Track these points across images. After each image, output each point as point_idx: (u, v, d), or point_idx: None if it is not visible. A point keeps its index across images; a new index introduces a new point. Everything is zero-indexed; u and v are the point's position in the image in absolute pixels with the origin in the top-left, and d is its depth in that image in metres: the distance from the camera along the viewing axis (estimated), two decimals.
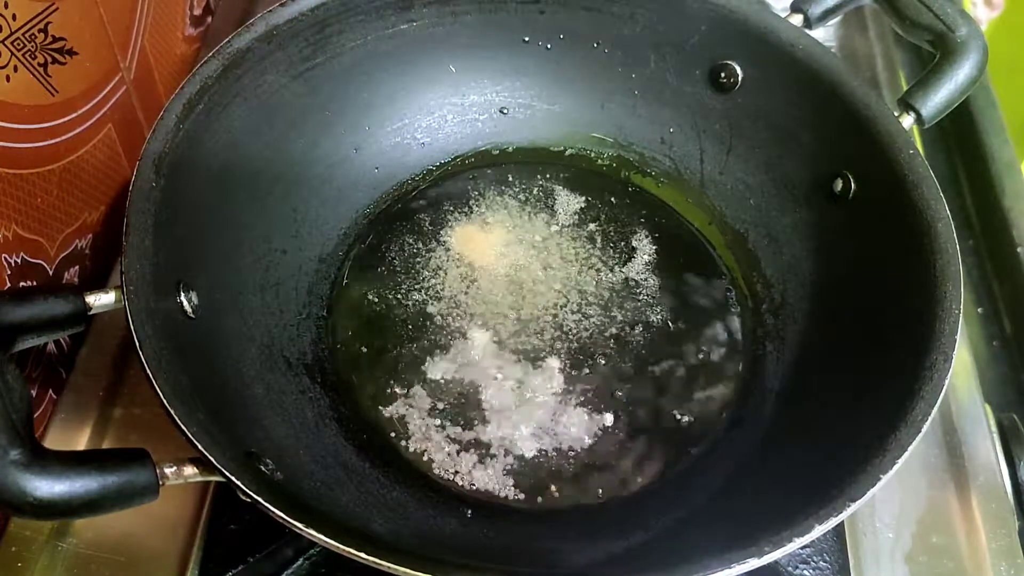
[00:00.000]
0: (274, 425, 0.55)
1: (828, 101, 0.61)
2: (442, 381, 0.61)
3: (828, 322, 0.61)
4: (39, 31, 0.55)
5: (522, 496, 0.57)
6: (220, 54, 0.58)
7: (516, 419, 0.60)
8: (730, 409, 0.61)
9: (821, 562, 0.57)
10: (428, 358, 0.62)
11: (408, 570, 0.40)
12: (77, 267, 0.64)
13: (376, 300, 0.66)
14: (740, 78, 0.66)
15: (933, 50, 0.61)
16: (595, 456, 0.59)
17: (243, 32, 0.59)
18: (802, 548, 0.52)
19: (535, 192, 0.72)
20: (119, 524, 0.56)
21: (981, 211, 0.80)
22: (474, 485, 0.57)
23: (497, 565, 0.43)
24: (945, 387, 0.47)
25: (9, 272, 0.55)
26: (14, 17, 0.52)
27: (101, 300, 0.48)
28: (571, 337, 0.64)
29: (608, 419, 0.60)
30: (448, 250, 0.68)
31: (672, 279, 0.67)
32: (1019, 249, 0.74)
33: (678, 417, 0.61)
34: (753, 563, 0.41)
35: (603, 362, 0.63)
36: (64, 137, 0.60)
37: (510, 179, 0.73)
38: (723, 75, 0.67)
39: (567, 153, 0.74)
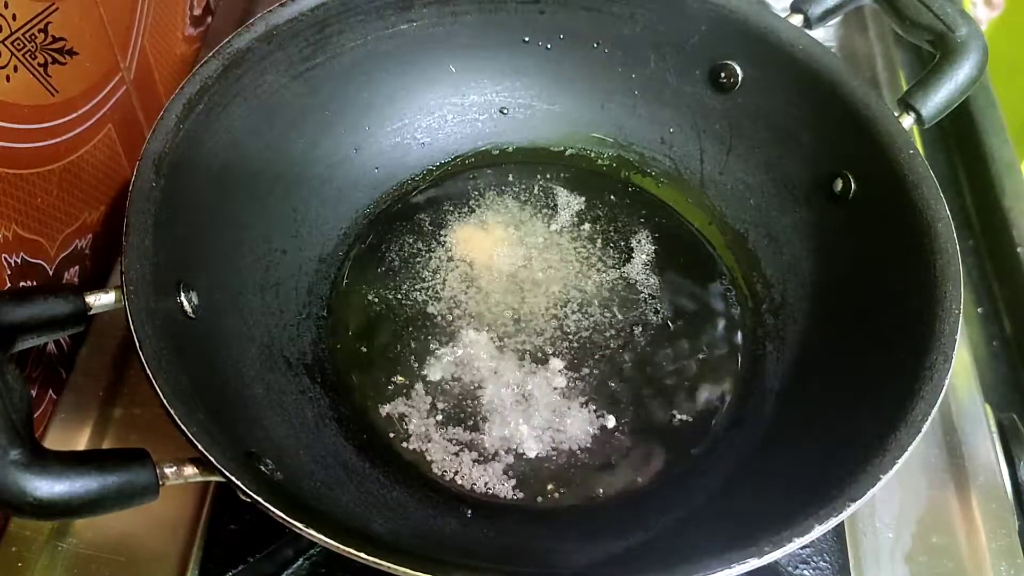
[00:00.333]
0: (274, 425, 0.55)
1: (828, 101, 0.61)
2: (442, 381, 0.61)
3: (828, 322, 0.61)
4: (39, 31, 0.55)
5: (522, 496, 0.57)
6: (220, 54, 0.58)
7: (516, 419, 0.60)
8: (730, 409, 0.61)
9: (821, 562, 0.57)
10: (428, 358, 0.62)
11: (408, 570, 0.40)
12: (77, 267, 0.64)
13: (376, 300, 0.66)
14: (740, 78, 0.66)
15: (933, 50, 0.61)
16: (595, 456, 0.59)
17: (243, 32, 0.59)
18: (802, 548, 0.52)
19: (535, 192, 0.72)
20: (119, 524, 0.56)
21: (981, 211, 0.80)
22: (474, 485, 0.57)
23: (497, 565, 0.43)
24: (945, 387, 0.47)
25: (9, 272, 0.55)
26: (14, 17, 0.52)
27: (101, 300, 0.48)
28: (571, 337, 0.64)
29: (608, 419, 0.60)
30: (448, 250, 0.68)
31: (672, 279, 0.67)
32: (1019, 249, 0.74)
33: (678, 417, 0.61)
34: (753, 563, 0.41)
35: (603, 362, 0.63)
36: (64, 137, 0.60)
37: (510, 179, 0.73)
38: (723, 75, 0.67)
39: (567, 153, 0.74)
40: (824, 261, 0.63)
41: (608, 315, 0.65)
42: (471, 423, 0.60)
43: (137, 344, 0.45)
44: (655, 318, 0.65)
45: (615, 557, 0.54)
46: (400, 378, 0.62)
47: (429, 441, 0.59)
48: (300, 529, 0.41)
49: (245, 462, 0.45)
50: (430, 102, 0.72)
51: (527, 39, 0.71)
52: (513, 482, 0.57)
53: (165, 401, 0.43)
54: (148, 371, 0.44)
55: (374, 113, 0.70)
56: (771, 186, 0.67)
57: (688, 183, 0.72)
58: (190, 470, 0.43)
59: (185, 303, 0.52)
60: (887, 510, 0.59)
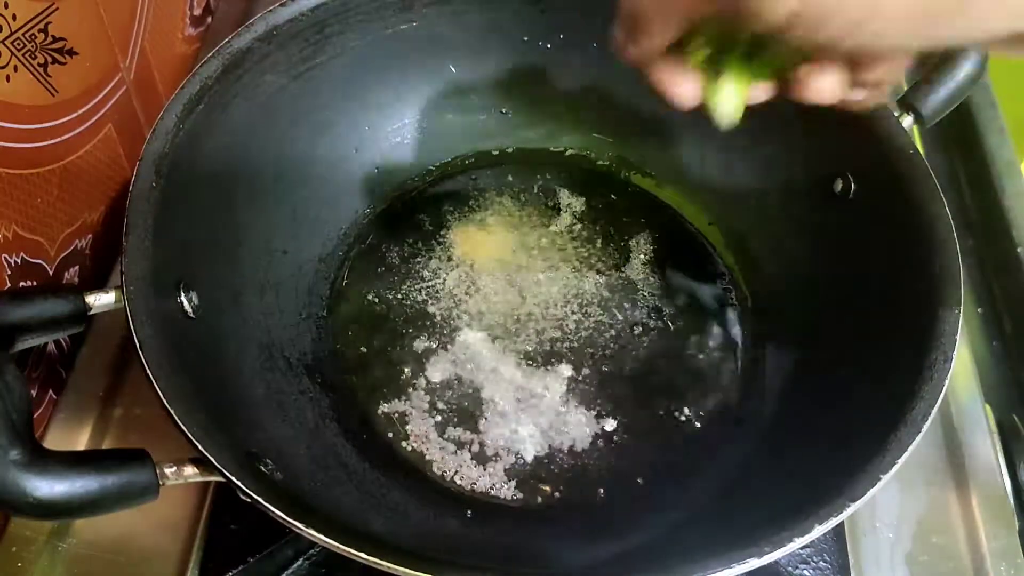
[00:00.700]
0: (274, 425, 0.55)
1: None
2: (442, 381, 0.61)
3: (828, 322, 0.61)
4: (39, 31, 0.55)
5: (522, 496, 0.57)
6: (220, 54, 0.58)
7: (515, 419, 0.60)
8: (730, 409, 0.61)
9: (821, 562, 0.57)
10: (428, 358, 0.62)
11: (408, 570, 0.40)
12: (77, 267, 0.64)
13: (376, 300, 0.66)
14: None
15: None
16: (595, 457, 0.59)
17: (243, 32, 0.59)
18: (802, 548, 0.52)
19: (535, 192, 0.72)
20: (119, 524, 0.56)
21: (981, 211, 0.80)
22: (474, 485, 0.57)
23: (497, 565, 0.43)
24: (945, 387, 0.47)
25: (9, 272, 0.55)
26: (14, 17, 0.52)
27: (101, 300, 0.48)
28: (571, 337, 0.64)
29: (607, 419, 0.60)
30: (448, 250, 0.68)
31: (672, 279, 0.67)
32: (1019, 249, 0.74)
33: (678, 417, 0.61)
34: (753, 563, 0.41)
35: (603, 362, 0.63)
36: (64, 137, 0.60)
37: (510, 179, 0.73)
38: None
39: (567, 153, 0.74)
40: (824, 261, 0.63)
41: (608, 315, 0.65)
42: (471, 423, 0.60)
43: (137, 344, 0.45)
44: (655, 318, 0.65)
45: (615, 557, 0.54)
46: (400, 378, 0.62)
47: (429, 441, 0.59)
48: (300, 529, 0.41)
49: (245, 462, 0.45)
50: (430, 102, 0.72)
51: (527, 39, 0.70)
52: (513, 482, 0.57)
53: (165, 401, 0.43)
54: (148, 371, 0.44)
55: (374, 113, 0.70)
56: (771, 186, 0.67)
57: (688, 183, 0.72)
58: (190, 470, 0.43)
59: (185, 303, 0.52)
60: (887, 510, 0.59)
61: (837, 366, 0.58)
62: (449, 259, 0.68)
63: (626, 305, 0.66)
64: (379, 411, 0.60)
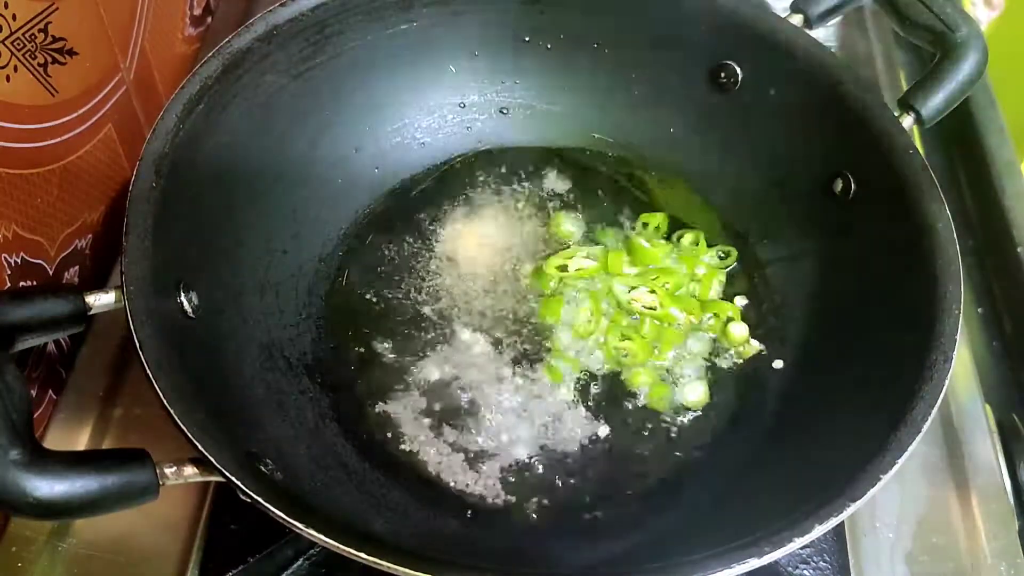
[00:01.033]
0: (274, 425, 0.55)
1: (828, 101, 0.61)
2: (441, 382, 0.61)
3: (828, 322, 0.61)
4: (39, 31, 0.55)
5: (521, 496, 0.57)
6: (220, 54, 0.58)
7: (515, 419, 0.60)
8: (730, 409, 0.61)
9: (821, 562, 0.57)
10: (427, 358, 0.62)
11: (408, 570, 0.40)
12: (77, 267, 0.64)
13: (376, 300, 0.66)
14: (740, 78, 0.66)
15: (933, 50, 0.61)
16: (593, 457, 0.59)
17: (243, 32, 0.59)
18: (802, 548, 0.52)
19: (535, 193, 0.72)
20: (119, 524, 0.56)
21: (981, 211, 0.80)
22: (473, 486, 0.57)
23: (497, 565, 0.43)
24: (945, 387, 0.47)
25: (9, 272, 0.55)
26: (14, 17, 0.52)
27: (101, 300, 0.48)
28: None
29: (607, 420, 0.60)
30: (447, 250, 0.68)
31: None
32: (1019, 249, 0.74)
33: (678, 418, 0.61)
34: (753, 563, 0.41)
35: (603, 361, 0.63)
36: (64, 137, 0.60)
37: (510, 179, 0.73)
38: (723, 75, 0.67)
39: (567, 153, 0.74)
40: (824, 261, 0.63)
41: (608, 316, 0.65)
42: (470, 424, 0.60)
43: (137, 344, 0.45)
44: (657, 312, 0.65)
45: (615, 557, 0.54)
46: (399, 378, 0.62)
47: (428, 442, 0.59)
48: (300, 529, 0.41)
49: (245, 462, 0.45)
50: (430, 102, 0.72)
51: (527, 39, 0.71)
52: (512, 482, 0.57)
53: (165, 401, 0.43)
54: (148, 371, 0.44)
55: (374, 113, 0.70)
56: (771, 186, 0.67)
57: (688, 183, 0.72)
58: (190, 470, 0.43)
59: (185, 303, 0.52)
60: (887, 510, 0.59)
61: (837, 366, 0.58)
62: (449, 259, 0.68)
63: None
64: (378, 411, 0.60)
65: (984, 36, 0.60)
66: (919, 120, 0.59)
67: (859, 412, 0.52)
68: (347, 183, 0.69)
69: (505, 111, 0.74)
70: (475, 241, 0.69)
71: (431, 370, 0.62)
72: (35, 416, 0.45)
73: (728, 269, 0.68)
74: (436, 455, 0.58)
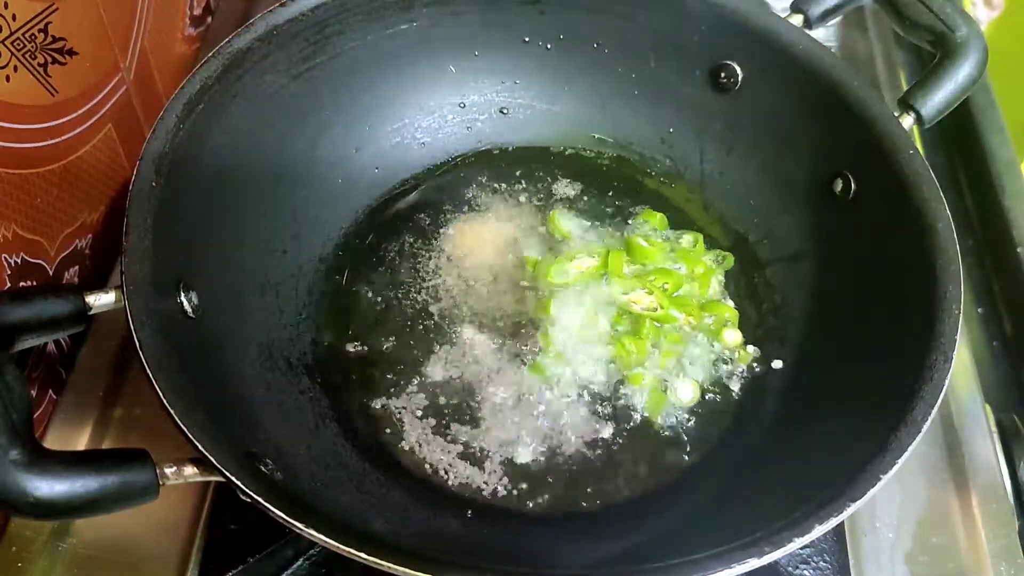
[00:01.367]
0: (274, 425, 0.55)
1: (828, 101, 0.61)
2: (441, 381, 0.61)
3: (828, 322, 0.61)
4: (39, 31, 0.55)
5: (522, 497, 0.57)
6: (220, 54, 0.58)
7: (516, 420, 0.60)
8: (730, 409, 0.61)
9: (821, 562, 0.57)
10: (427, 358, 0.62)
11: (408, 570, 0.40)
12: (77, 267, 0.64)
13: (376, 300, 0.66)
14: (740, 78, 0.66)
15: (933, 50, 0.61)
16: (595, 456, 0.59)
17: (243, 32, 0.59)
18: (802, 548, 0.52)
19: (535, 192, 0.72)
20: (119, 524, 0.56)
21: (981, 211, 0.80)
22: (473, 486, 0.57)
23: (497, 565, 0.43)
24: (945, 387, 0.47)
25: (9, 272, 0.55)
26: (14, 17, 0.52)
27: (101, 300, 0.48)
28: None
29: (608, 420, 0.60)
30: (448, 250, 0.68)
31: None
32: (1019, 249, 0.74)
33: (678, 418, 0.61)
34: (753, 563, 0.41)
35: (604, 362, 0.63)
36: (64, 137, 0.60)
37: (510, 179, 0.73)
38: (723, 75, 0.67)
39: (567, 153, 0.74)
40: (824, 261, 0.63)
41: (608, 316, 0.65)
42: (471, 424, 0.60)
43: (137, 344, 0.45)
44: (657, 313, 0.65)
45: (615, 558, 0.54)
46: (400, 378, 0.62)
47: (428, 442, 0.59)
48: (300, 529, 0.41)
49: (245, 462, 0.45)
50: (430, 102, 0.72)
51: (527, 39, 0.71)
52: (513, 483, 0.57)
53: (165, 401, 0.43)
54: (148, 371, 0.44)
55: (374, 113, 0.70)
56: (771, 186, 0.67)
57: (688, 183, 0.72)
58: (190, 470, 0.43)
59: (185, 303, 0.52)
60: (887, 510, 0.59)
61: (837, 366, 0.58)
62: (449, 259, 0.68)
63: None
64: (378, 411, 0.60)
65: (984, 36, 0.60)
66: (919, 120, 0.59)
67: (859, 412, 0.51)
68: (347, 183, 0.69)
69: (505, 111, 0.74)
70: (475, 241, 0.69)
71: (431, 370, 0.62)
72: (35, 416, 0.45)
73: (728, 270, 0.68)
74: (436, 455, 0.58)
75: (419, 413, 0.60)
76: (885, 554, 0.58)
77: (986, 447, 0.62)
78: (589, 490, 0.57)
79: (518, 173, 0.73)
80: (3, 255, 0.54)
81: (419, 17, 0.67)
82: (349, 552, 0.41)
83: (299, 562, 0.55)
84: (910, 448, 0.45)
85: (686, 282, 0.66)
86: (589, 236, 0.69)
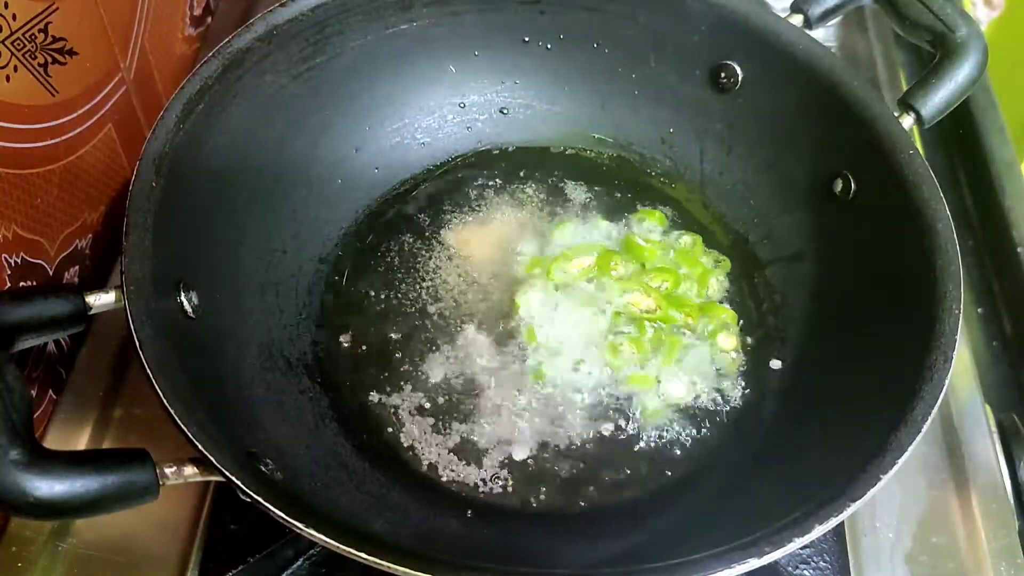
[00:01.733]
0: (274, 425, 0.55)
1: (828, 101, 0.61)
2: (441, 381, 0.61)
3: (828, 322, 0.61)
4: (39, 31, 0.55)
5: (522, 497, 0.57)
6: (220, 54, 0.58)
7: (515, 419, 0.60)
8: (730, 409, 0.61)
9: (821, 562, 0.57)
10: (428, 358, 0.62)
11: (408, 570, 0.40)
12: (77, 267, 0.64)
13: (376, 300, 0.66)
14: (740, 78, 0.66)
15: (933, 50, 0.61)
16: (594, 456, 0.59)
17: (243, 32, 0.59)
18: (802, 548, 0.52)
19: (535, 192, 0.72)
20: (119, 524, 0.56)
21: (981, 211, 0.80)
22: (473, 486, 0.57)
23: (497, 565, 0.43)
24: (945, 387, 0.47)
25: (9, 272, 0.55)
26: (14, 17, 0.52)
27: (101, 300, 0.48)
28: None
29: (608, 420, 0.60)
30: (448, 250, 0.68)
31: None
32: (1019, 249, 0.74)
33: (678, 418, 0.61)
34: (753, 563, 0.41)
35: (603, 362, 0.63)
36: (64, 137, 0.60)
37: (510, 179, 0.73)
38: (723, 75, 0.67)
39: (567, 153, 0.74)
40: (824, 261, 0.63)
41: (608, 316, 0.65)
42: (470, 423, 0.60)
43: (137, 344, 0.45)
44: (656, 314, 0.65)
45: (615, 557, 0.54)
46: (400, 378, 0.62)
47: (428, 441, 0.59)
48: (300, 529, 0.41)
49: (245, 462, 0.45)
50: (430, 102, 0.72)
51: (527, 39, 0.71)
52: (513, 483, 0.57)
53: (165, 401, 0.43)
54: (148, 371, 0.44)
55: (374, 113, 0.70)
56: (771, 186, 0.67)
57: (688, 183, 0.72)
58: (190, 470, 0.43)
59: (185, 303, 0.52)
60: (887, 510, 0.59)
61: (837, 366, 0.58)
62: (449, 259, 0.68)
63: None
64: (379, 410, 0.60)
65: (984, 36, 0.60)
66: (919, 120, 0.59)
67: (859, 412, 0.51)
68: (347, 183, 0.69)
69: (505, 111, 0.74)
70: (475, 241, 0.69)
71: (432, 369, 0.62)
72: (35, 416, 0.45)
73: (727, 271, 0.68)
74: (437, 454, 0.58)
75: (419, 412, 0.60)
76: (885, 554, 0.58)
77: (986, 447, 0.62)
78: (589, 490, 0.57)
79: (518, 173, 0.73)
80: (3, 255, 0.54)
81: (419, 17, 0.67)
82: (349, 552, 0.41)
83: (299, 562, 0.55)
84: (910, 448, 0.45)
85: (684, 281, 0.66)
86: (589, 236, 0.69)
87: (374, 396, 0.61)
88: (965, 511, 0.60)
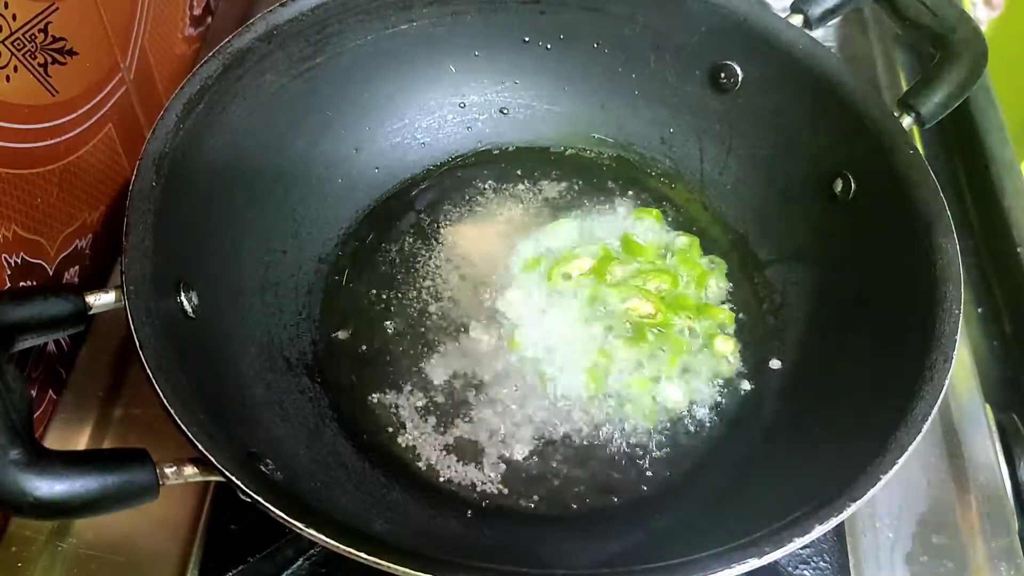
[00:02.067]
0: (274, 425, 0.55)
1: (828, 101, 0.61)
2: (441, 381, 0.61)
3: (828, 322, 0.61)
4: (39, 31, 0.55)
5: (522, 497, 0.57)
6: (220, 54, 0.58)
7: (516, 420, 0.60)
8: (730, 409, 0.61)
9: (821, 562, 0.57)
10: (428, 357, 0.62)
11: (408, 570, 0.40)
12: (77, 267, 0.64)
13: (376, 299, 0.66)
14: (740, 78, 0.66)
15: (933, 50, 0.61)
16: (595, 457, 0.59)
17: (243, 32, 0.59)
18: (802, 548, 0.52)
19: (535, 192, 0.72)
20: (119, 524, 0.56)
21: (981, 211, 0.80)
22: (473, 486, 0.57)
23: (497, 565, 0.43)
24: (945, 387, 0.47)
25: (9, 272, 0.55)
26: (14, 17, 0.52)
27: (101, 300, 0.48)
28: None
29: (608, 420, 0.60)
30: (448, 250, 0.68)
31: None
32: (1019, 249, 0.74)
33: (678, 418, 0.61)
34: (753, 563, 0.41)
35: (603, 364, 0.63)
36: (64, 137, 0.60)
37: (510, 179, 0.73)
38: (723, 75, 0.67)
39: (567, 153, 0.74)
40: (824, 261, 0.63)
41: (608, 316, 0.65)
42: (470, 424, 0.60)
43: (137, 344, 0.45)
44: (656, 318, 0.65)
45: (615, 557, 0.54)
46: (399, 378, 0.62)
47: (428, 441, 0.59)
48: (300, 529, 0.41)
49: (245, 462, 0.45)
50: (430, 102, 0.72)
51: (527, 39, 0.71)
52: (513, 483, 0.57)
53: (165, 401, 0.43)
54: (148, 371, 0.44)
55: (374, 113, 0.70)
56: (771, 186, 0.67)
57: (688, 183, 0.72)
58: (190, 470, 0.43)
59: (185, 303, 0.52)
60: (887, 510, 0.59)
61: (837, 366, 0.58)
62: (449, 259, 0.68)
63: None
64: (379, 410, 0.60)
65: (984, 36, 0.60)
66: (919, 120, 0.59)
67: (859, 412, 0.51)
68: (347, 183, 0.69)
69: (505, 111, 0.74)
70: (475, 241, 0.69)
71: (431, 369, 0.62)
72: (35, 416, 0.45)
73: (728, 270, 0.68)
74: (437, 454, 0.58)
75: (419, 412, 0.60)
76: (885, 554, 0.58)
77: (986, 447, 0.62)
78: (589, 490, 0.57)
79: (518, 173, 0.73)
80: (3, 255, 0.54)
81: (419, 17, 0.67)
82: (349, 552, 0.41)
83: (299, 562, 0.55)
84: (910, 448, 0.45)
85: (681, 282, 0.66)
86: (588, 236, 0.69)
87: (374, 396, 0.61)
88: (965, 511, 0.60)
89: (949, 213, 0.54)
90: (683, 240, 0.68)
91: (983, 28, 0.99)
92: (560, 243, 0.68)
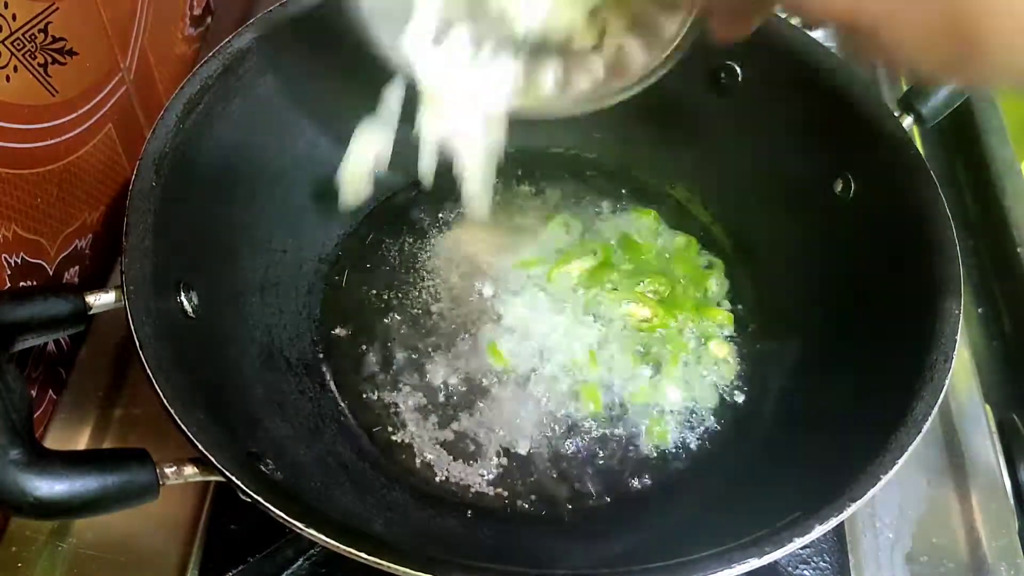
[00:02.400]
0: (274, 425, 0.55)
1: (828, 101, 0.61)
2: (442, 381, 0.61)
3: (828, 322, 0.61)
4: (39, 31, 0.55)
5: (521, 497, 0.57)
6: (220, 54, 0.58)
7: (516, 420, 0.60)
8: (730, 409, 0.61)
9: (821, 562, 0.57)
10: (427, 357, 0.62)
11: (408, 570, 0.40)
12: (77, 267, 0.64)
13: (376, 299, 0.66)
14: (740, 78, 0.66)
15: None
16: (595, 457, 0.59)
17: (243, 32, 0.59)
18: (802, 548, 0.52)
19: (535, 192, 0.72)
20: (119, 524, 0.56)
21: (981, 211, 0.80)
22: (473, 486, 0.57)
23: (497, 565, 0.43)
24: (945, 387, 0.47)
25: (9, 272, 0.55)
26: (14, 17, 0.52)
27: (101, 300, 0.48)
28: None
29: (608, 421, 0.60)
30: (447, 250, 0.68)
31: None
32: (1019, 249, 0.74)
33: (678, 418, 0.61)
34: (753, 563, 0.41)
35: (603, 365, 0.63)
36: (64, 137, 0.60)
37: (510, 179, 0.73)
38: (723, 75, 0.67)
39: (567, 153, 0.74)
40: (824, 261, 0.63)
41: (608, 315, 0.65)
42: (472, 423, 0.60)
43: (137, 344, 0.45)
44: (656, 318, 0.65)
45: (615, 557, 0.54)
46: (399, 378, 0.62)
47: (428, 441, 0.59)
48: (300, 529, 0.41)
49: (245, 462, 0.45)
50: None
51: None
52: (513, 483, 0.57)
53: (165, 401, 0.43)
54: (148, 371, 0.44)
55: (375, 112, 0.69)
56: (771, 186, 0.67)
57: (688, 183, 0.72)
58: (190, 470, 0.43)
59: (185, 303, 0.52)
60: (887, 510, 0.59)
61: (837, 366, 0.58)
62: (448, 259, 0.68)
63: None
64: (379, 410, 0.60)
65: None
66: (919, 120, 0.59)
67: (859, 412, 0.51)
68: None
69: None
70: (475, 241, 0.69)
71: (431, 369, 0.62)
72: (35, 416, 0.45)
73: (727, 270, 0.68)
74: (436, 454, 0.58)
75: (419, 412, 0.60)
76: (885, 554, 0.58)
77: (986, 447, 0.62)
78: (589, 490, 0.57)
79: (518, 173, 0.73)
80: (3, 255, 0.54)
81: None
82: (349, 552, 0.41)
83: (299, 562, 0.55)
84: (910, 448, 0.45)
85: (679, 283, 0.65)
86: (588, 236, 0.69)
87: (374, 395, 0.61)
88: (965, 511, 0.60)
89: (949, 213, 0.54)
90: (681, 240, 0.68)
91: None
92: (560, 243, 0.69)
